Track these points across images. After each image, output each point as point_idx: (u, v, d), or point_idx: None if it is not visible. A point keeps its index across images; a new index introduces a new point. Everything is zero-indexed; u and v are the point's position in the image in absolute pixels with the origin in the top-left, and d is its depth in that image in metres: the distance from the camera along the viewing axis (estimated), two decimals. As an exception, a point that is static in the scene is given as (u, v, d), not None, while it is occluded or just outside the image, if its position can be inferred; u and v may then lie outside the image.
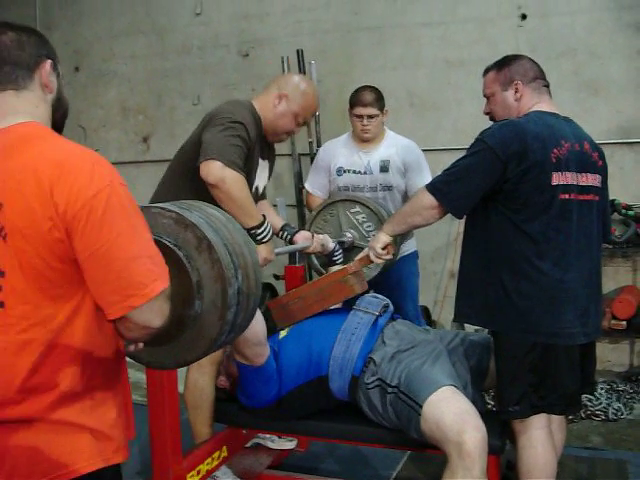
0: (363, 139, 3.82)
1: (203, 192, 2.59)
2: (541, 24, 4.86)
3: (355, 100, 3.81)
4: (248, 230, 2.64)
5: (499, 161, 2.36)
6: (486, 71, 2.67)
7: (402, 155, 3.79)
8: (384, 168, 3.79)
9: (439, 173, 2.55)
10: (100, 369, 1.49)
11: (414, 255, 4.03)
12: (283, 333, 2.86)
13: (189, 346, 1.79)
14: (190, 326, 1.75)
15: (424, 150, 4.04)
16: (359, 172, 3.82)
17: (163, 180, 2.96)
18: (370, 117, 3.75)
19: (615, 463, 3.49)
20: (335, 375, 2.67)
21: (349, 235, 3.39)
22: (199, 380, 2.84)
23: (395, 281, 3.76)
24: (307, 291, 2.89)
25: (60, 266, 1.38)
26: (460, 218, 2.58)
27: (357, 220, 3.40)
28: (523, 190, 2.37)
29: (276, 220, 3.18)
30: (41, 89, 1.53)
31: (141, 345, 1.59)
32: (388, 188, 3.79)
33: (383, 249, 2.77)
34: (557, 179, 2.37)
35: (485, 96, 2.68)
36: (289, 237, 3.15)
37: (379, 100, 3.79)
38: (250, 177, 2.84)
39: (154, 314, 1.39)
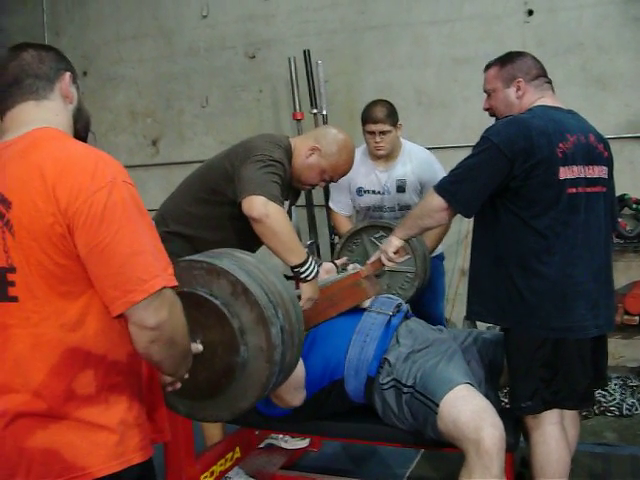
0: (377, 156, 3.76)
1: (231, 220, 2.57)
2: (548, 19, 4.84)
3: (366, 117, 3.71)
4: (292, 268, 2.59)
5: (506, 159, 2.35)
6: (488, 67, 2.67)
7: (418, 173, 3.73)
8: (401, 188, 3.75)
9: (448, 171, 2.55)
10: (115, 369, 1.50)
11: (441, 256, 4.04)
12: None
13: (241, 394, 1.78)
14: (239, 373, 1.74)
15: (432, 148, 4.03)
16: (378, 192, 3.79)
17: (182, 197, 2.89)
18: (382, 133, 3.66)
19: (629, 459, 3.48)
20: (351, 377, 2.66)
21: None
22: None
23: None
24: (321, 296, 2.88)
25: (65, 262, 1.40)
26: (469, 217, 2.58)
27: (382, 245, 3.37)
28: (530, 186, 2.36)
29: None
30: (62, 99, 1.60)
31: (178, 385, 1.62)
32: (406, 207, 3.74)
33: (395, 253, 2.77)
34: (564, 173, 2.37)
35: (485, 91, 2.68)
36: None
37: (391, 115, 3.68)
38: None
39: (149, 313, 1.38)
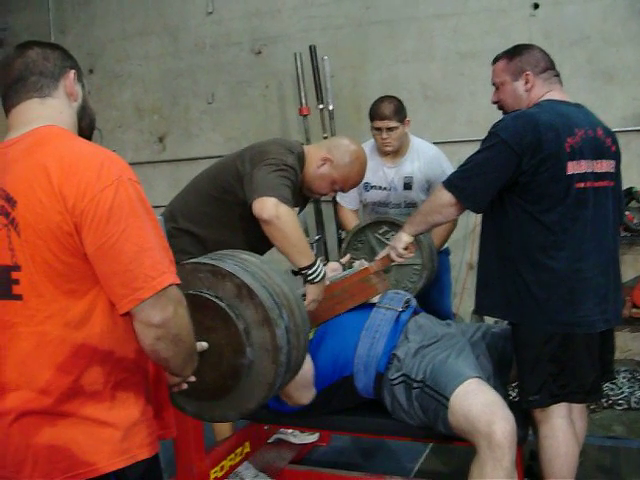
0: (384, 152, 3.76)
1: (241, 220, 2.58)
2: (554, 12, 4.82)
3: (373, 113, 3.71)
4: (299, 270, 2.60)
5: (514, 154, 2.35)
6: (496, 59, 2.66)
7: (425, 171, 3.72)
8: (408, 185, 3.75)
9: (454, 165, 2.56)
10: (121, 366, 1.50)
11: (446, 251, 4.05)
12: (309, 335, 2.85)
13: (248, 394, 1.80)
14: (245, 374, 1.76)
15: (438, 142, 4.03)
16: (384, 188, 3.80)
17: (192, 195, 2.88)
18: (389, 130, 3.65)
19: (638, 452, 3.48)
20: (360, 374, 2.67)
21: None
22: None
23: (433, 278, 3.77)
24: (330, 292, 2.88)
25: (71, 260, 1.41)
26: (479, 213, 2.58)
27: (387, 240, 3.37)
28: (539, 181, 2.36)
29: None
30: (66, 97, 1.60)
31: (184, 386, 1.63)
32: (412, 205, 3.75)
33: (404, 249, 2.77)
34: (572, 168, 2.37)
35: (494, 84, 2.67)
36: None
37: (398, 112, 3.67)
38: None
39: (156, 310, 1.39)
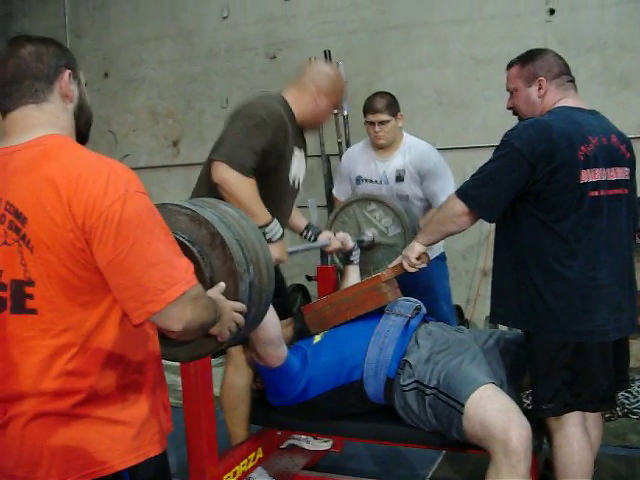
0: (377, 146, 3.81)
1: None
2: (570, 18, 4.82)
3: (366, 107, 3.81)
4: None
5: (527, 163, 2.33)
6: (509, 65, 2.64)
7: (416, 164, 3.74)
8: (399, 178, 3.77)
9: (469, 171, 2.55)
10: (132, 368, 1.52)
11: (442, 257, 4.01)
12: (317, 338, 2.86)
13: (202, 340, 1.81)
14: None
15: (453, 149, 4.02)
16: (376, 181, 3.82)
17: (199, 187, 2.93)
18: (382, 123, 3.73)
19: (654, 462, 3.45)
20: (370, 379, 2.67)
21: (369, 234, 3.39)
22: (236, 382, 2.86)
23: (425, 286, 3.73)
24: (341, 298, 2.90)
25: (85, 274, 1.41)
26: (492, 222, 2.56)
27: (375, 217, 3.41)
28: (552, 190, 2.35)
29: (301, 220, 3.24)
30: (62, 99, 1.56)
31: (227, 334, 1.72)
32: (404, 198, 3.76)
33: (417, 259, 2.77)
34: (586, 176, 2.35)
35: (508, 90, 2.66)
36: (313, 237, 3.19)
37: (391, 106, 3.76)
38: (286, 170, 2.86)
39: (173, 320, 1.40)
